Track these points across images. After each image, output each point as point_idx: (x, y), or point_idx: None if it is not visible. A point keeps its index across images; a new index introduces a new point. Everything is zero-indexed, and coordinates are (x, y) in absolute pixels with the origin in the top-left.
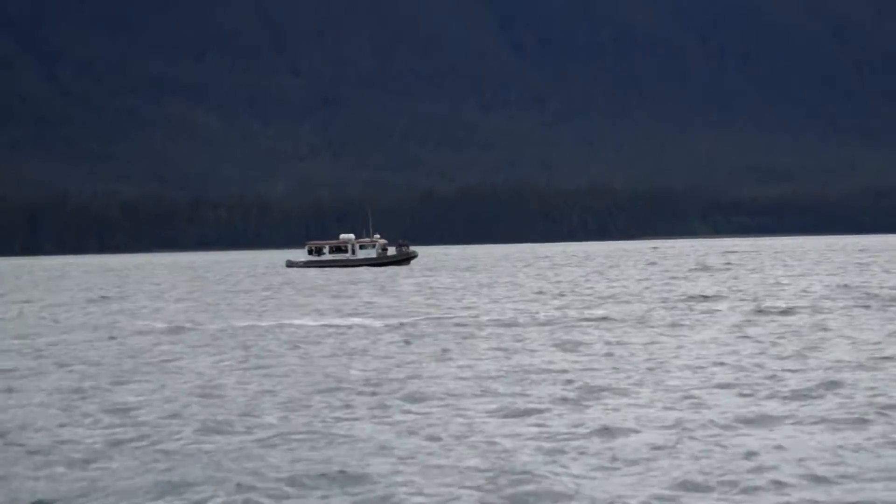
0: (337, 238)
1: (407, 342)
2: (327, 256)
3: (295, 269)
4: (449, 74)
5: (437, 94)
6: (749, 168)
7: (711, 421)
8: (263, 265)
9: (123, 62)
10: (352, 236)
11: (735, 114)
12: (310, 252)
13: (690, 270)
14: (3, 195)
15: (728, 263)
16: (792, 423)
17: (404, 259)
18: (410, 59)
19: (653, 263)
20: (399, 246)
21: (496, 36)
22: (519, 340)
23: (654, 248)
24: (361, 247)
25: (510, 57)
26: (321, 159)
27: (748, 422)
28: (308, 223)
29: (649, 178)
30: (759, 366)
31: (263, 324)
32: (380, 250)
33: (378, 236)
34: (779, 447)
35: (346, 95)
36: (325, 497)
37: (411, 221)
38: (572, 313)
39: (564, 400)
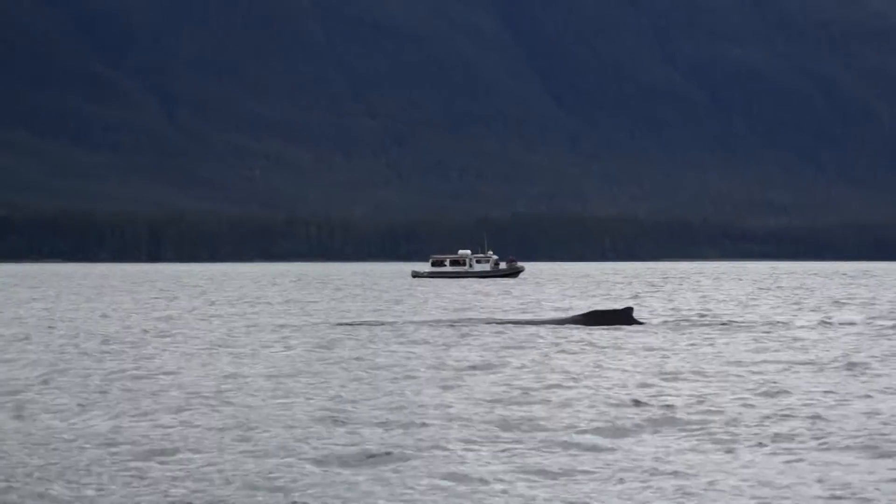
0: (455, 253)
1: None
2: (448, 269)
3: (420, 278)
4: (498, 118)
5: (489, 134)
6: (751, 203)
7: None
8: (388, 275)
9: (230, 104)
10: (468, 252)
11: (740, 157)
12: (433, 264)
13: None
14: (132, 212)
15: None
16: None
17: (513, 273)
18: (468, 105)
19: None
20: (509, 261)
21: (538, 87)
22: None
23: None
24: (477, 261)
25: (550, 104)
26: (393, 189)
27: None
28: (382, 242)
29: (668, 209)
30: None
31: None
32: (493, 265)
33: (491, 252)
34: None
35: (415, 135)
36: None
37: (470, 242)
38: None
39: None
